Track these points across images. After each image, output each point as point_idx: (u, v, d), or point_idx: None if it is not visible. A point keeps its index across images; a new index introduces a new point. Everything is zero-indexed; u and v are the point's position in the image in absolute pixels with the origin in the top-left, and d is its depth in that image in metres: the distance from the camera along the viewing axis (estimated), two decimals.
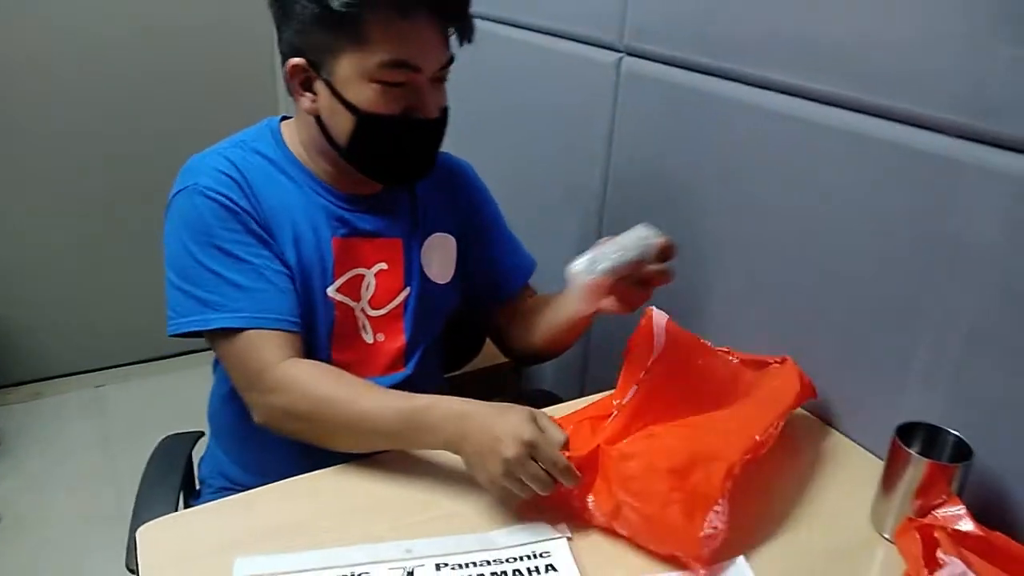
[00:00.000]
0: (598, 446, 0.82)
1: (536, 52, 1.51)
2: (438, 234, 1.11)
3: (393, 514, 0.86)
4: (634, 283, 0.96)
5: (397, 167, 0.99)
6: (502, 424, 0.80)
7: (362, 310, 1.04)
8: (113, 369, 2.59)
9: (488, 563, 0.79)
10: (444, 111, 0.98)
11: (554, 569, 0.78)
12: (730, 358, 1.03)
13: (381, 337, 1.05)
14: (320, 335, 1.01)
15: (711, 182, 1.17)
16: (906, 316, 0.92)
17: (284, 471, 0.91)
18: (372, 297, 1.04)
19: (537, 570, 0.78)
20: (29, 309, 2.50)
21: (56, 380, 2.61)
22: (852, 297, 0.99)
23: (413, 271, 1.07)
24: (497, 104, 1.69)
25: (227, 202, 0.94)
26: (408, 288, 1.07)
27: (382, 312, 1.05)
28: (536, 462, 0.78)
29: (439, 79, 0.95)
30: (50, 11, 2.23)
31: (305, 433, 0.92)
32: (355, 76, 0.90)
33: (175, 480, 1.08)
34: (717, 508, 0.77)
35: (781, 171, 1.05)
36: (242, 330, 0.91)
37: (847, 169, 0.96)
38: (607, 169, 1.38)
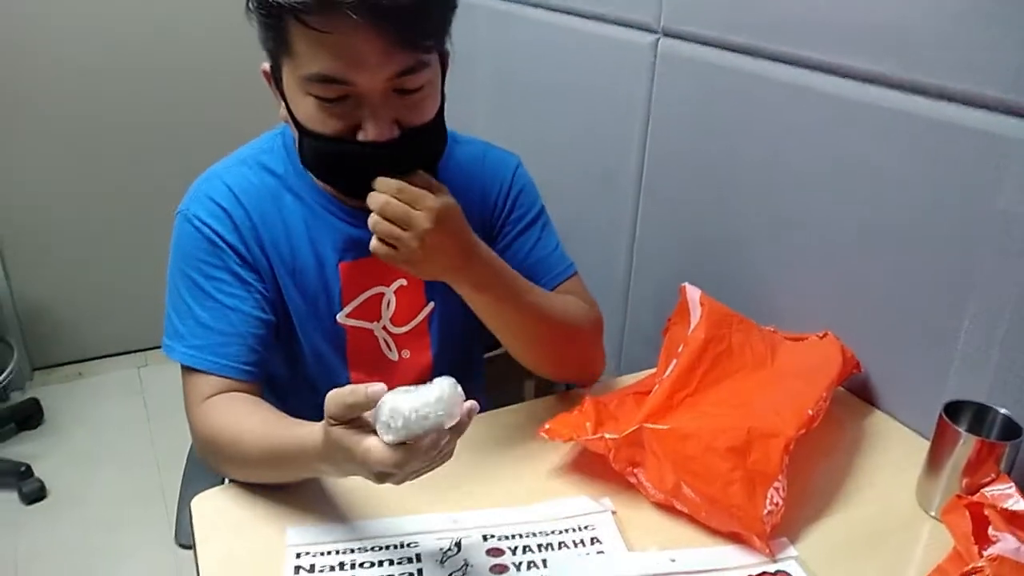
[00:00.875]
0: (642, 425, 0.82)
1: (570, 35, 1.50)
2: None
3: (438, 487, 0.86)
4: None
5: (359, 190, 0.84)
6: (368, 464, 0.69)
7: (383, 328, 1.01)
8: (155, 350, 2.65)
9: (534, 535, 0.80)
10: (421, 129, 0.85)
11: (599, 541, 0.79)
12: (775, 336, 1.03)
13: (407, 354, 1.03)
14: (333, 360, 1.00)
15: (751, 163, 1.16)
16: (953, 293, 0.91)
17: None
18: (394, 315, 1.01)
19: (582, 542, 0.79)
20: (72, 292, 2.56)
21: (98, 361, 2.68)
22: (896, 274, 0.98)
23: (436, 284, 0.97)
24: (530, 88, 1.68)
25: (212, 235, 0.91)
26: (432, 303, 1.03)
27: (405, 329, 1.02)
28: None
29: (402, 89, 0.82)
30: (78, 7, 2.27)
31: (223, 471, 0.90)
32: (294, 87, 0.83)
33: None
34: (776, 485, 0.77)
35: (823, 151, 1.04)
36: (192, 367, 0.90)
37: (891, 148, 0.95)
38: (643, 153, 1.38)
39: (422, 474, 0.71)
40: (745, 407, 0.86)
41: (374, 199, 0.80)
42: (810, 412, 0.85)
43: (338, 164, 0.86)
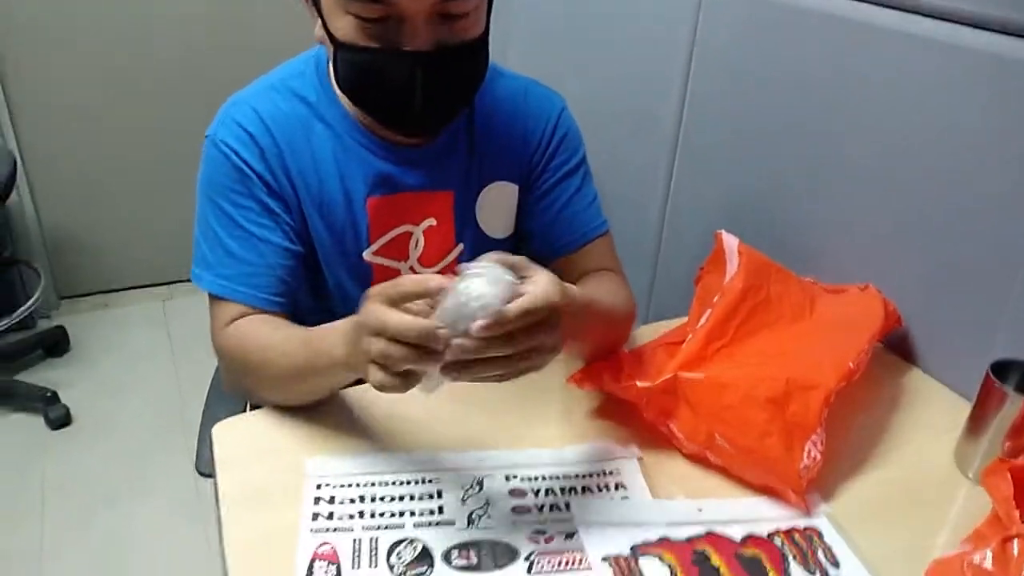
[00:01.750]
0: (676, 374, 0.79)
1: None
2: (497, 183, 1.00)
3: (462, 424, 0.86)
4: None
5: (394, 110, 0.85)
6: (360, 320, 0.68)
7: (411, 268, 0.99)
8: (179, 284, 2.66)
9: (557, 478, 0.78)
10: (463, 45, 0.82)
11: (623, 487, 0.78)
12: (814, 287, 0.99)
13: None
14: (358, 296, 0.96)
15: (796, 108, 1.11)
16: (1005, 247, 0.87)
17: None
18: (422, 255, 0.99)
19: (607, 487, 0.77)
20: (99, 224, 2.56)
21: (124, 292, 2.70)
22: (943, 226, 0.93)
23: (467, 226, 0.99)
24: (566, 22, 1.62)
25: (239, 162, 0.89)
26: (460, 244, 1.00)
27: (433, 270, 1.00)
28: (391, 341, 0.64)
29: (447, 14, 0.79)
30: None
31: (252, 391, 0.91)
32: (332, 4, 0.79)
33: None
34: (815, 438, 0.75)
35: (874, 91, 0.99)
36: (220, 295, 0.89)
37: (951, 90, 0.89)
38: (684, 94, 1.32)
39: (392, 356, 0.63)
40: (783, 357, 0.83)
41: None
42: (851, 365, 0.81)
43: (374, 77, 0.82)
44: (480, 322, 0.60)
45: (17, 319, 2.18)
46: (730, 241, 0.95)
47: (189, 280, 0.92)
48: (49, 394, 2.10)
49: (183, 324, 2.53)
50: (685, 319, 0.99)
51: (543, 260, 1.03)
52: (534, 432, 0.85)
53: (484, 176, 0.99)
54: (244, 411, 1.08)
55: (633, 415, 0.84)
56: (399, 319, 0.63)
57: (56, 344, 2.36)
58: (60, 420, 2.09)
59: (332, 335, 0.75)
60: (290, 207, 0.92)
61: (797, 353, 0.84)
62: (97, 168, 2.49)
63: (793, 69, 1.11)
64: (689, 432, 0.79)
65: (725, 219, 1.26)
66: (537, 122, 1.01)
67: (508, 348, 0.63)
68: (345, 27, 0.79)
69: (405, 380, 0.65)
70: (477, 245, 1.01)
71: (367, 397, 0.89)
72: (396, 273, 0.99)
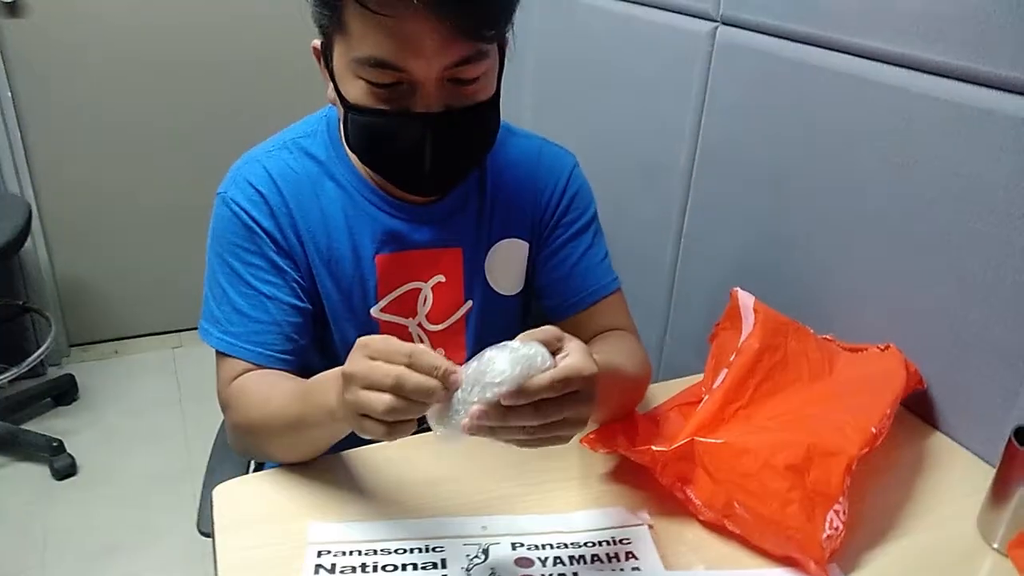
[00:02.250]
0: (693, 438, 0.77)
1: (625, 22, 1.45)
2: (507, 240, 0.99)
3: (468, 488, 0.83)
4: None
5: (405, 171, 0.85)
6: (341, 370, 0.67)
7: (419, 324, 0.98)
8: (190, 332, 2.66)
9: (566, 546, 0.75)
10: (473, 108, 0.82)
11: (634, 557, 0.74)
12: (833, 346, 0.97)
13: (441, 352, 0.98)
14: None
15: (810, 160, 1.10)
16: None
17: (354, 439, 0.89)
18: (430, 312, 0.98)
19: (616, 556, 0.74)
20: (110, 271, 2.57)
21: (134, 340, 2.70)
22: (966, 285, 0.91)
23: (476, 282, 0.98)
24: (579, 77, 1.63)
25: (249, 221, 0.89)
26: (470, 301, 0.99)
27: (441, 327, 0.99)
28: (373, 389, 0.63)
29: (457, 79, 0.79)
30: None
31: (255, 448, 0.90)
32: (344, 68, 0.80)
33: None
34: (837, 507, 0.72)
35: (888, 148, 0.98)
36: (226, 352, 0.89)
37: (962, 145, 0.88)
38: (695, 147, 1.32)
39: (372, 404, 0.62)
40: (804, 422, 0.81)
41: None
42: (873, 430, 0.79)
43: (386, 138, 0.82)
44: (503, 389, 0.60)
45: (27, 367, 2.18)
46: (745, 299, 0.94)
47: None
48: (55, 444, 2.08)
49: (192, 372, 2.52)
50: (699, 377, 0.98)
51: (554, 318, 1.04)
52: (543, 496, 0.83)
53: (494, 233, 0.99)
54: (248, 467, 1.06)
55: (647, 478, 0.81)
56: (374, 366, 0.63)
57: (65, 393, 2.36)
58: (65, 470, 2.07)
59: (324, 384, 0.74)
60: (298, 264, 0.92)
61: (817, 417, 0.82)
62: (110, 217, 2.51)
63: (805, 124, 1.10)
64: (707, 499, 0.77)
65: (738, 274, 1.25)
66: (548, 180, 1.00)
67: (533, 419, 0.62)
68: (357, 91, 0.80)
69: (390, 428, 0.64)
70: (486, 302, 1.00)
71: (372, 460, 0.87)
72: (403, 330, 0.98)
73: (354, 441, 0.89)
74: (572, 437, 0.66)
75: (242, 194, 0.90)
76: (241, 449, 0.92)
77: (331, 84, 0.85)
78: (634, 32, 1.42)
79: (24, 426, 2.20)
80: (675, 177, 1.36)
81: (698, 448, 0.77)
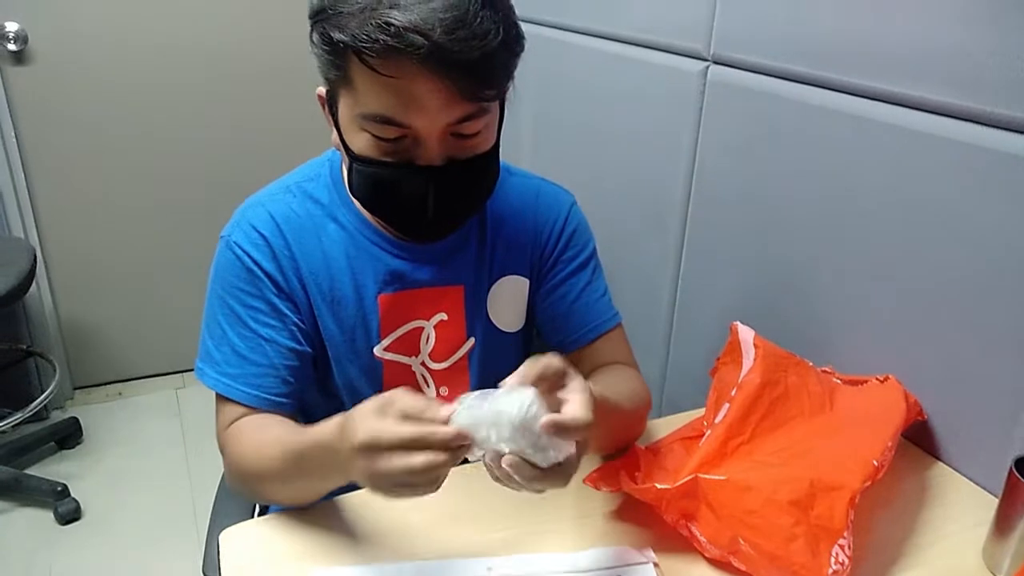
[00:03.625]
0: (696, 475, 0.77)
1: (614, 62, 1.47)
2: (508, 277, 1.01)
3: (471, 529, 0.83)
4: None
5: (407, 220, 0.88)
6: (349, 420, 0.69)
7: (422, 363, 0.99)
8: (192, 372, 2.65)
9: None
10: (474, 159, 0.84)
11: None
12: (832, 379, 0.98)
13: (445, 391, 1.01)
14: (368, 394, 0.96)
15: (806, 199, 1.12)
16: None
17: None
18: (432, 350, 0.99)
19: None
20: (112, 312, 2.59)
21: (137, 381, 2.70)
22: (962, 317, 0.92)
23: (477, 320, 1.00)
24: (570, 119, 1.66)
25: (251, 263, 0.90)
26: (472, 339, 1.00)
27: (444, 365, 1.00)
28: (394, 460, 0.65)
29: (460, 133, 0.82)
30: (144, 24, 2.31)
31: (252, 491, 0.90)
32: (349, 121, 0.82)
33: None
34: (842, 541, 0.73)
35: (883, 184, 0.99)
36: (224, 395, 0.90)
37: (963, 185, 0.89)
38: (690, 186, 1.34)
39: (403, 483, 0.66)
40: (806, 457, 0.81)
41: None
42: (875, 463, 0.79)
43: (388, 189, 0.85)
44: (508, 460, 0.64)
45: (31, 412, 2.18)
46: (745, 334, 0.95)
47: None
48: (60, 488, 2.07)
49: (196, 413, 2.52)
50: (700, 411, 0.99)
51: (563, 352, 1.04)
52: (547, 536, 0.83)
53: (495, 270, 1.00)
54: (253, 511, 1.07)
55: (651, 516, 0.81)
56: (398, 433, 0.65)
57: (69, 436, 2.35)
58: (69, 515, 2.06)
59: (321, 439, 0.74)
60: (299, 307, 0.93)
61: (819, 451, 0.82)
62: (113, 260, 2.52)
63: (800, 162, 1.11)
64: (712, 536, 0.77)
65: (737, 309, 1.26)
66: (547, 218, 1.02)
67: (529, 471, 0.65)
68: (361, 143, 0.82)
69: (415, 487, 0.67)
70: (488, 338, 1.01)
71: (375, 503, 0.86)
72: (407, 369, 0.99)
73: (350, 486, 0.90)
74: (566, 482, 0.67)
75: (245, 237, 0.91)
76: (238, 491, 0.92)
77: (335, 131, 0.87)
78: (627, 72, 1.45)
79: (28, 470, 2.19)
80: (673, 217, 1.38)
81: (702, 485, 0.77)
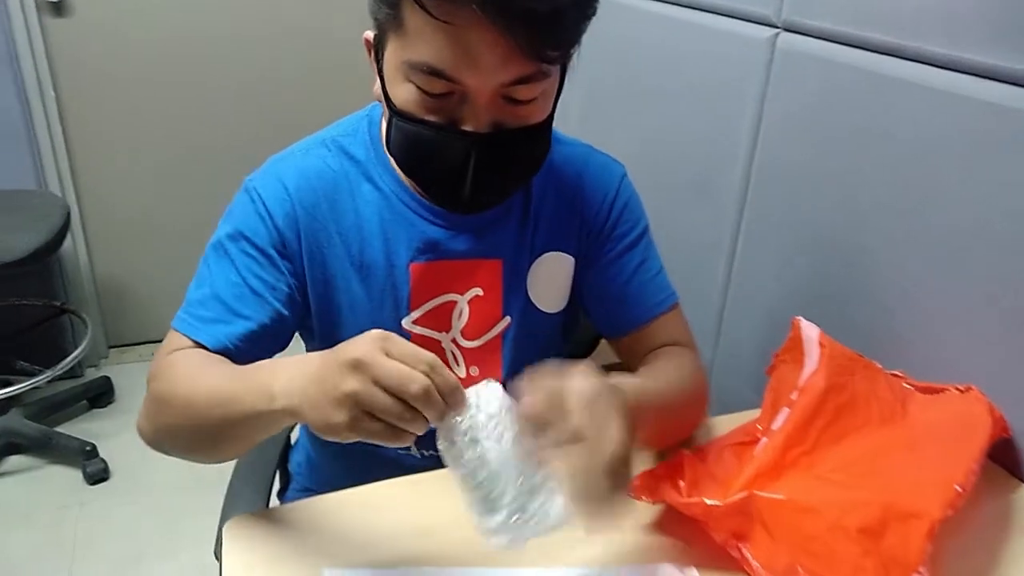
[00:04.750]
0: (751, 493, 0.69)
1: (677, 27, 1.38)
2: (551, 253, 0.94)
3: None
4: None
5: (443, 188, 0.82)
6: (340, 353, 0.61)
7: (453, 340, 0.93)
8: None
9: None
10: (524, 130, 0.78)
11: None
12: (903, 384, 0.88)
13: (475, 371, 0.94)
14: None
15: (878, 178, 1.02)
16: None
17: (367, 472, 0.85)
18: (465, 327, 0.92)
19: None
20: (149, 272, 2.57)
21: None
22: None
23: (515, 297, 0.93)
24: (628, 86, 1.57)
25: (264, 213, 0.85)
26: (508, 317, 0.93)
27: (477, 343, 0.93)
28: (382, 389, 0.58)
29: (513, 98, 0.74)
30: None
31: (165, 429, 0.80)
32: (395, 69, 0.75)
33: (268, 471, 1.03)
34: None
35: (968, 166, 0.89)
36: (181, 331, 0.83)
37: None
38: (751, 162, 1.24)
39: (387, 406, 0.58)
40: (877, 476, 0.73)
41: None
42: (958, 488, 0.70)
43: (427, 152, 0.78)
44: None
45: (62, 370, 2.17)
46: (809, 331, 0.86)
47: None
48: (88, 448, 2.07)
49: None
50: (754, 412, 0.90)
51: (608, 338, 1.00)
52: (582, 548, 0.75)
53: (538, 245, 0.93)
54: (269, 493, 1.01)
55: (698, 531, 0.73)
56: (396, 366, 0.58)
57: (100, 395, 2.35)
58: (98, 475, 2.06)
59: (270, 367, 0.69)
60: (299, 277, 0.87)
61: (892, 470, 0.73)
62: (150, 218, 2.50)
63: (874, 138, 1.02)
64: (766, 560, 0.69)
65: (796, 300, 1.17)
66: (596, 191, 0.95)
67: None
68: (405, 95, 0.76)
69: (393, 433, 0.60)
70: (526, 319, 0.94)
71: (392, 504, 0.81)
72: (436, 344, 0.92)
73: (369, 476, 0.84)
74: (626, 474, 0.62)
75: (268, 188, 0.87)
76: (150, 430, 0.82)
77: (379, 80, 0.80)
78: (688, 38, 1.35)
79: (59, 428, 2.19)
80: (729, 193, 1.29)
81: (757, 503, 0.69)
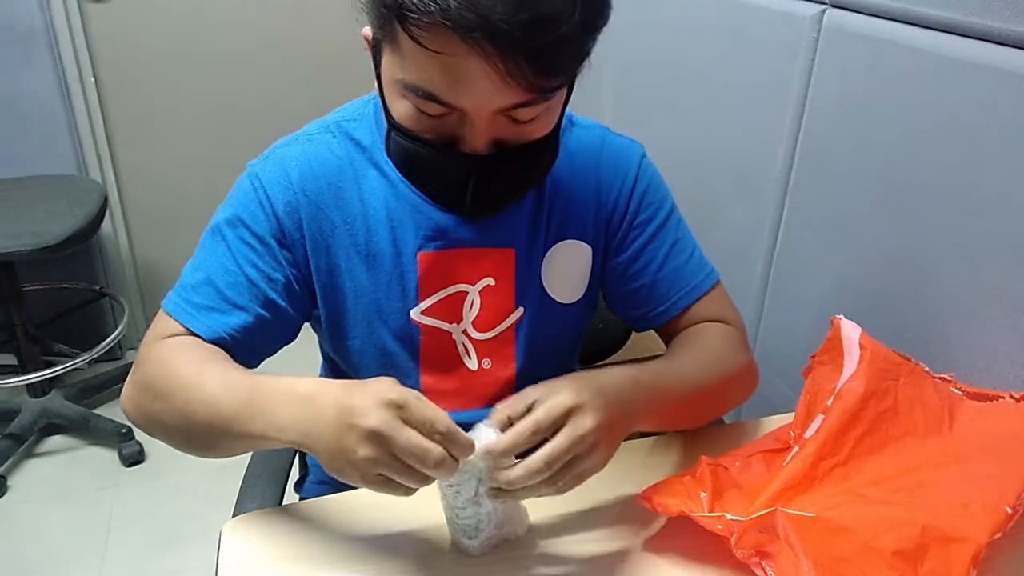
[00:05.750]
0: (777, 508, 0.63)
1: (714, 5, 1.32)
2: (567, 242, 0.91)
3: (498, 554, 0.72)
4: None
5: (444, 199, 0.81)
6: (360, 392, 0.62)
7: (464, 331, 0.89)
8: None
9: None
10: (526, 146, 0.75)
11: None
12: (952, 389, 0.81)
13: (487, 364, 0.91)
14: (403, 359, 0.89)
15: (932, 169, 0.96)
16: None
17: None
18: (477, 318, 0.89)
19: None
20: (188, 255, 2.55)
21: None
22: None
23: (529, 288, 0.90)
24: (663, 72, 1.51)
25: (264, 199, 0.83)
26: (521, 308, 0.90)
27: (488, 335, 0.90)
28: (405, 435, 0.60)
29: (514, 118, 0.72)
30: None
31: (157, 421, 0.77)
32: (391, 82, 0.73)
33: (285, 462, 1.02)
34: None
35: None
36: (174, 317, 0.80)
37: None
38: (794, 150, 1.18)
39: (415, 450, 0.60)
40: (917, 492, 0.67)
41: (531, 466, 0.65)
42: (1009, 509, 0.64)
43: (426, 169, 0.78)
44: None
45: (101, 352, 2.20)
46: (850, 330, 0.79)
47: None
48: (124, 430, 2.10)
49: (269, 362, 2.50)
50: (787, 416, 0.84)
51: (643, 328, 0.96)
52: (585, 565, 0.71)
53: (552, 234, 0.89)
54: (284, 488, 0.99)
55: (717, 544, 0.68)
56: (413, 441, 0.60)
57: None
58: (132, 457, 2.08)
59: (275, 395, 0.67)
60: (300, 267, 0.84)
61: (935, 486, 0.67)
62: (189, 203, 2.51)
63: (928, 124, 0.95)
64: None
65: (839, 297, 1.12)
66: (614, 177, 0.90)
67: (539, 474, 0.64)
68: (402, 111, 0.74)
69: (397, 488, 0.62)
70: (540, 310, 0.91)
71: (402, 509, 0.77)
72: (447, 336, 0.89)
73: None
74: (600, 465, 0.67)
75: (271, 174, 0.84)
76: (138, 416, 0.79)
77: (377, 83, 0.77)
78: (728, 17, 1.29)
79: (97, 410, 2.23)
80: (769, 183, 1.23)
81: (783, 520, 0.64)
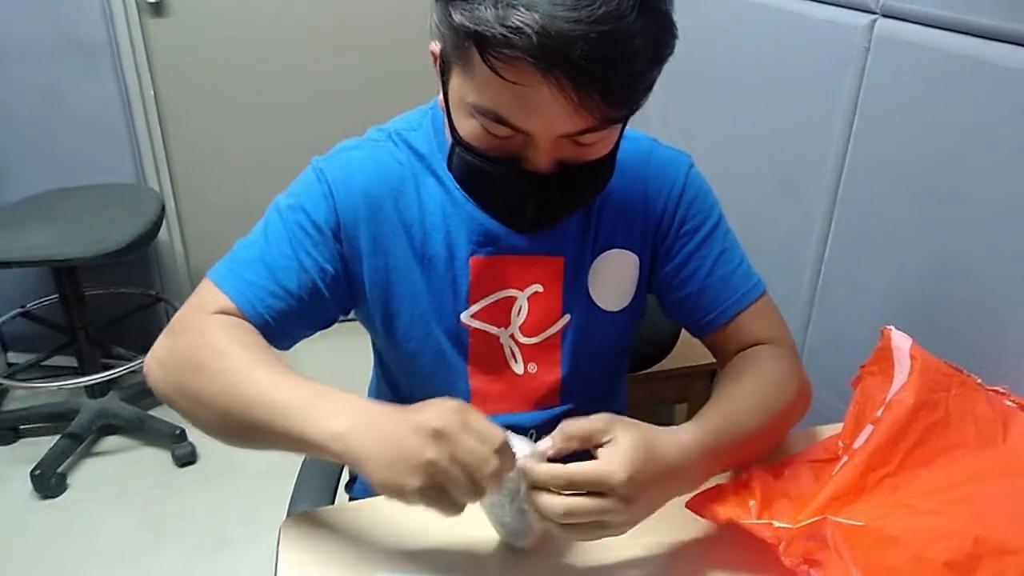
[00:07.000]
0: (826, 516, 0.64)
1: (764, 14, 1.32)
2: (614, 251, 0.92)
3: (549, 555, 0.73)
4: None
5: (504, 214, 0.83)
6: (421, 405, 0.65)
7: (511, 336, 0.91)
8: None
9: None
10: (588, 165, 0.77)
11: None
12: (1006, 402, 0.80)
13: (533, 368, 0.92)
14: (453, 359, 0.91)
15: (984, 177, 0.95)
16: None
17: None
18: (524, 323, 0.91)
19: None
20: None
21: None
22: None
23: (576, 296, 0.91)
24: (712, 78, 1.51)
25: (328, 193, 0.86)
26: (568, 315, 0.92)
27: (535, 340, 0.92)
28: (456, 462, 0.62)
29: (579, 142, 0.74)
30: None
31: (189, 397, 0.76)
32: (459, 101, 0.75)
33: (336, 464, 1.04)
34: None
35: None
36: (224, 290, 0.82)
37: None
38: (843, 157, 1.18)
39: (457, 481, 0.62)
40: (969, 504, 0.66)
41: (548, 507, 0.66)
42: None
43: (488, 185, 0.80)
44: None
45: None
46: (900, 341, 0.79)
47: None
48: (178, 431, 2.15)
49: (321, 367, 2.52)
50: (836, 427, 0.84)
51: (694, 336, 0.96)
52: (633, 568, 0.72)
53: (600, 243, 0.91)
54: (333, 500, 1.02)
55: (763, 552, 0.68)
56: (474, 446, 0.62)
57: None
58: (185, 458, 2.13)
59: (333, 403, 0.69)
60: (351, 264, 0.87)
61: (987, 498, 0.67)
62: (244, 212, 2.54)
63: (979, 132, 0.95)
64: None
65: (889, 306, 1.11)
66: (661, 187, 0.91)
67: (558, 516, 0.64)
68: (468, 129, 0.76)
69: (449, 503, 0.63)
70: (587, 318, 0.92)
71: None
72: (494, 340, 0.91)
73: None
74: (621, 533, 0.67)
75: (336, 173, 0.87)
76: (165, 383, 0.79)
77: (442, 98, 0.80)
78: (778, 25, 1.30)
79: (152, 412, 2.28)
80: (819, 190, 1.23)
81: (832, 528, 0.64)
